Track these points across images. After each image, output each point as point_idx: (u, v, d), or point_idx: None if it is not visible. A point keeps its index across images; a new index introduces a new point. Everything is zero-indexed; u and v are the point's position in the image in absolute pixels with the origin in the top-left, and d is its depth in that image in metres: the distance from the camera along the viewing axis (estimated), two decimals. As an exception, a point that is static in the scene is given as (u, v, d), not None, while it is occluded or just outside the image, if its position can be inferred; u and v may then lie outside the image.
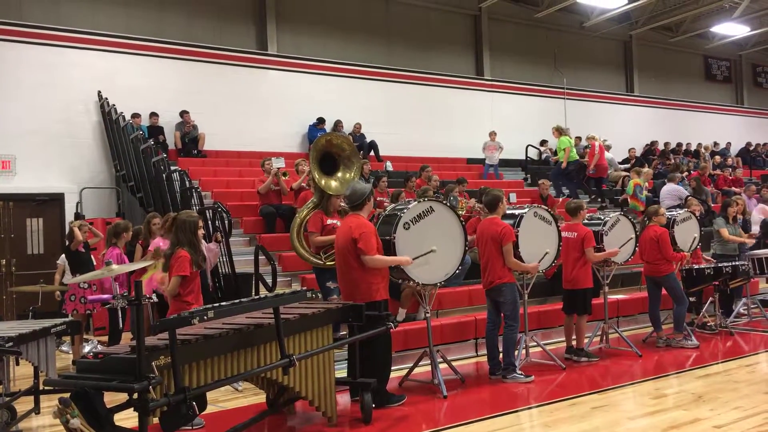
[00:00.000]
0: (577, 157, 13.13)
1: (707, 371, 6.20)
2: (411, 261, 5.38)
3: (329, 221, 6.43)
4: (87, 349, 7.34)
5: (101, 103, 11.71)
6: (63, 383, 3.36)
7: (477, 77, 16.86)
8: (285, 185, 9.25)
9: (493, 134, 14.81)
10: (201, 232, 5.33)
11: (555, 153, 13.44)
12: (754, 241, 9.08)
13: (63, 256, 8.15)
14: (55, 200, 11.22)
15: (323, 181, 6.44)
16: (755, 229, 9.73)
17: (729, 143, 20.42)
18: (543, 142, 16.95)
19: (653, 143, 18.79)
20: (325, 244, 6.36)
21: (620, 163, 16.26)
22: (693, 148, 19.35)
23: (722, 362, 6.57)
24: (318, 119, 13.79)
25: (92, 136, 11.86)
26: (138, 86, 12.23)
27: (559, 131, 13.01)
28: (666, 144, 18.95)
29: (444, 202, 5.98)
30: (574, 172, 12.96)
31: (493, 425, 4.70)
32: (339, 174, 6.58)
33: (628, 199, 11.81)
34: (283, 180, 9.26)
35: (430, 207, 5.66)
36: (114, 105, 11.26)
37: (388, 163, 13.53)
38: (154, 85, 12.49)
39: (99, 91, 11.80)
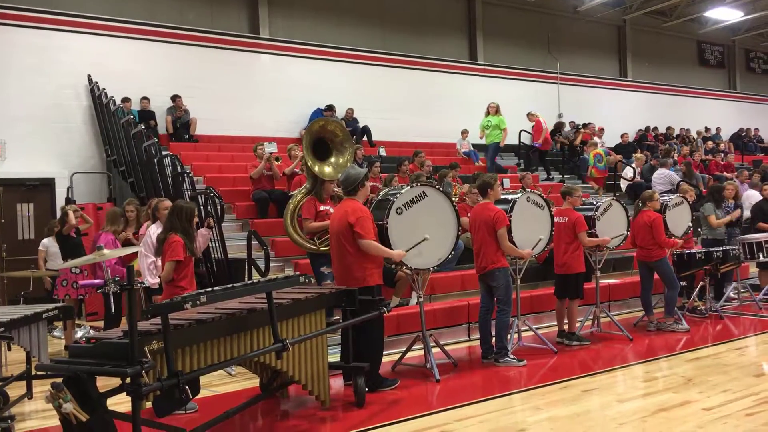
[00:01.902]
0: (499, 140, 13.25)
1: (697, 354, 6.26)
2: (405, 254, 5.38)
3: (323, 207, 6.42)
4: (79, 334, 7.33)
5: (91, 87, 11.59)
6: (55, 368, 3.34)
7: (471, 62, 16.79)
8: (278, 170, 9.21)
9: (465, 133, 14.67)
10: (196, 220, 5.32)
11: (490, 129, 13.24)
12: (738, 214, 9.08)
13: (44, 241, 8.05)
14: (46, 185, 11.14)
15: (317, 167, 6.41)
16: (746, 213, 9.78)
17: (719, 128, 20.48)
18: (536, 127, 16.91)
19: (647, 129, 18.81)
20: (319, 230, 6.35)
21: (612, 148, 16.28)
22: (686, 133, 19.42)
23: (712, 346, 6.63)
24: (327, 106, 13.64)
25: (83, 121, 11.76)
26: (128, 70, 12.11)
27: (497, 109, 13.13)
28: (654, 129, 19.00)
29: (437, 187, 5.98)
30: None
31: (486, 408, 4.74)
32: (332, 159, 6.56)
33: (590, 169, 13.62)
34: (276, 165, 9.22)
35: (423, 192, 5.66)
36: (104, 89, 11.15)
37: (382, 149, 13.49)
38: (144, 69, 12.36)
39: (89, 75, 11.68)
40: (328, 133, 6.59)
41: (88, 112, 11.79)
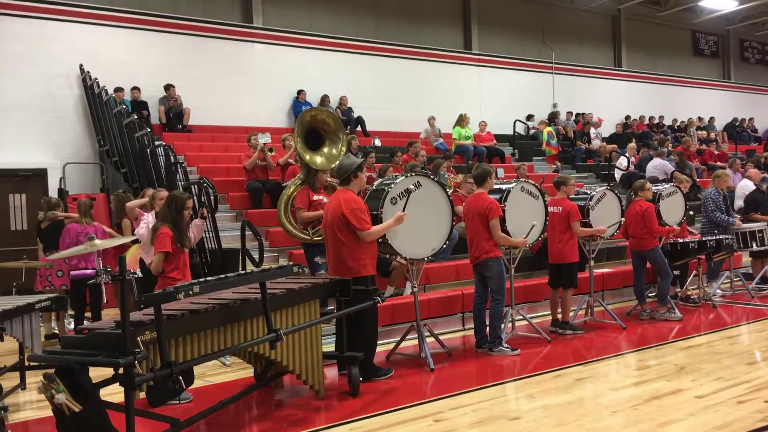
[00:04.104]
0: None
1: (690, 343, 6.30)
2: (404, 214, 5.31)
3: (316, 197, 6.41)
4: (72, 325, 7.30)
5: (83, 77, 11.50)
6: (48, 359, 3.33)
7: (465, 51, 16.72)
8: (271, 160, 9.18)
9: (432, 119, 14.26)
10: (187, 212, 5.27)
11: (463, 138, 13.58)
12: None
13: None
14: (38, 176, 11.07)
15: (308, 157, 6.40)
16: (739, 203, 9.82)
17: (712, 118, 20.50)
18: (530, 117, 16.92)
19: (628, 117, 18.63)
20: (312, 220, 6.34)
21: (606, 138, 16.32)
22: (680, 123, 19.44)
23: (705, 334, 6.67)
24: (297, 91, 13.59)
25: (75, 111, 11.66)
26: (121, 60, 12.01)
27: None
28: (651, 118, 19.00)
29: (432, 177, 5.96)
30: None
31: (480, 397, 4.75)
32: (325, 149, 6.54)
33: (543, 146, 14.63)
34: (270, 155, 9.18)
35: (418, 182, 5.64)
36: (96, 79, 11.05)
37: (377, 139, 13.45)
38: (137, 59, 12.26)
39: (81, 65, 11.58)
40: (319, 123, 6.57)
41: (80, 102, 11.70)
